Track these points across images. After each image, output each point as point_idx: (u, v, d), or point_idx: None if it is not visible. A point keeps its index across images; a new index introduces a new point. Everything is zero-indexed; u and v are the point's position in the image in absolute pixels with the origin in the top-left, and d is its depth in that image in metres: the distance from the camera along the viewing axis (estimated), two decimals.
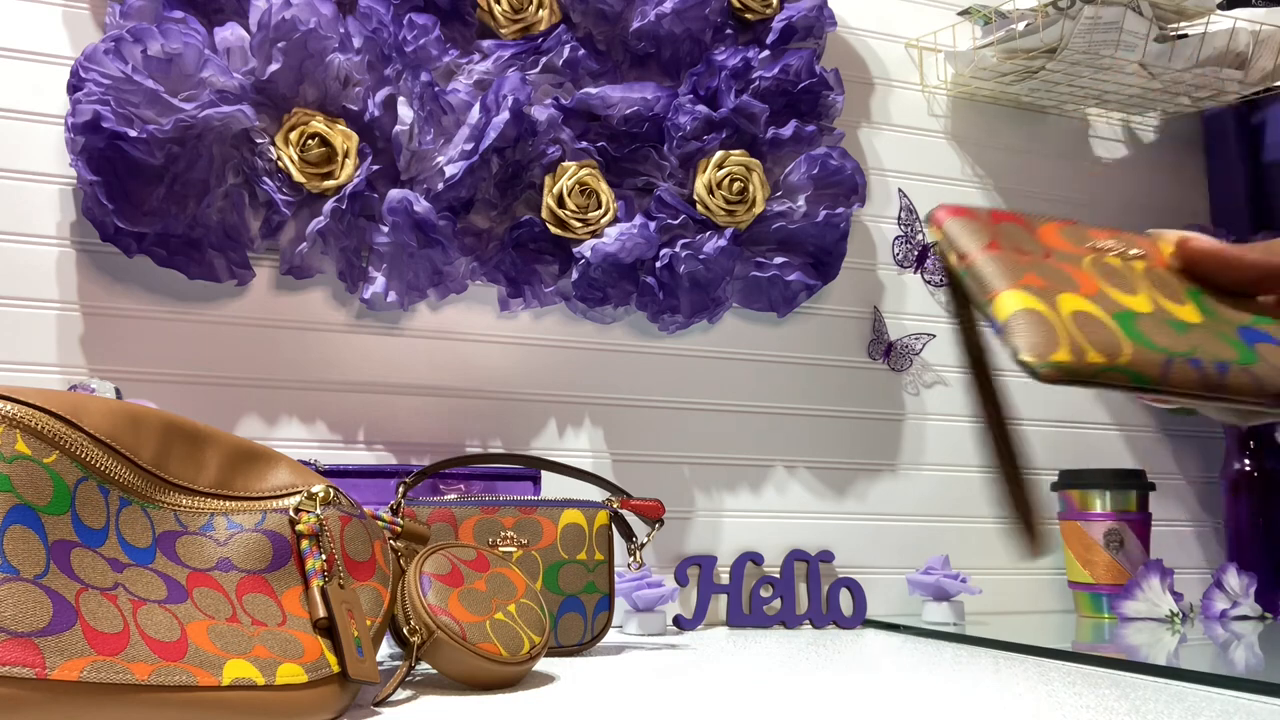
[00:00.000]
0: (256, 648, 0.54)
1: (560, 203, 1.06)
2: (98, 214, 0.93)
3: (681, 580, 1.07)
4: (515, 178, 1.07)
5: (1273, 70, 1.22)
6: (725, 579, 1.11)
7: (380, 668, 0.67)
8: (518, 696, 0.66)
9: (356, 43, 0.99)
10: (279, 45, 0.96)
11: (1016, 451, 0.50)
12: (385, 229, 1.00)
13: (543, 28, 1.08)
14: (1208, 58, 1.19)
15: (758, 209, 1.12)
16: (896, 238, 1.26)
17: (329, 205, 0.98)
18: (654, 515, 0.90)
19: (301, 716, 0.55)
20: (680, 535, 1.13)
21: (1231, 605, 1.13)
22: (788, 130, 1.14)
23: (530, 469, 0.98)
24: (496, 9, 1.07)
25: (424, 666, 0.72)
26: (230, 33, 0.97)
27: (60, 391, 0.54)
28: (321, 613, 0.58)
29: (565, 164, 1.07)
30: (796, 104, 1.16)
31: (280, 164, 0.97)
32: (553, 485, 0.98)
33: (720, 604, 1.09)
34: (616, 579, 0.92)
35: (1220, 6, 1.19)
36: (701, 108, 1.10)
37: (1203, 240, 0.51)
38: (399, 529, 0.70)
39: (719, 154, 1.11)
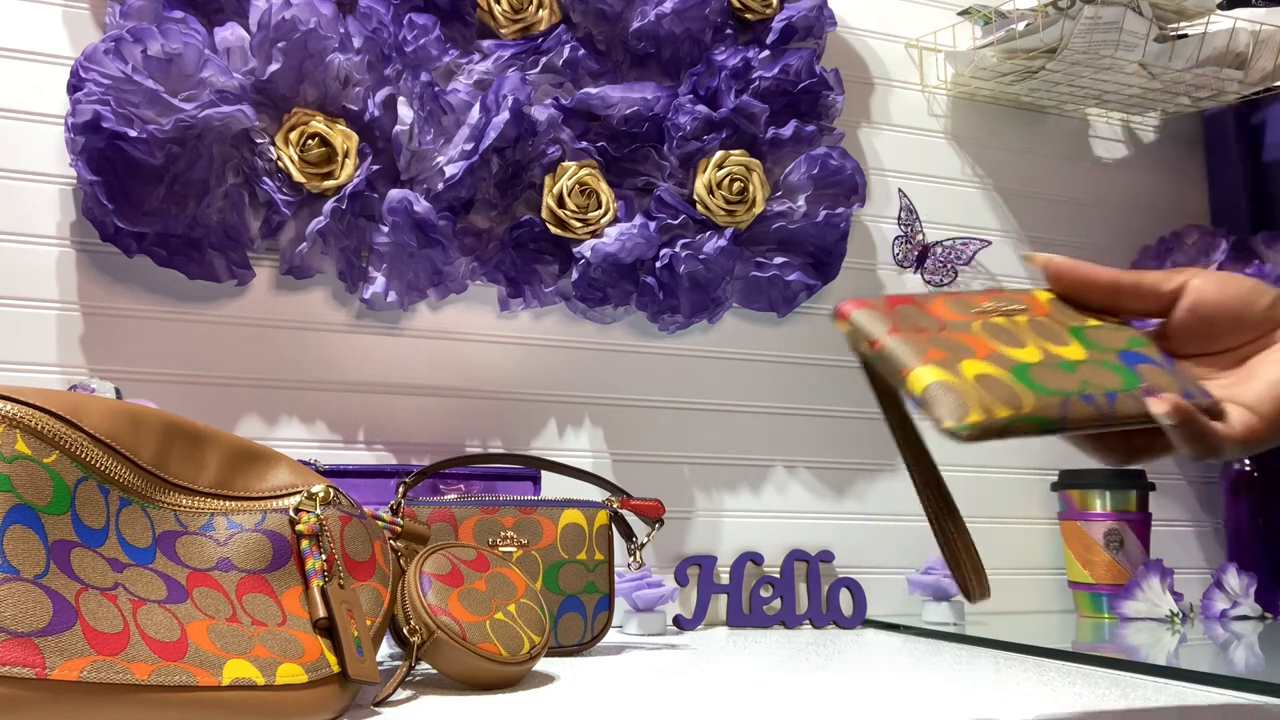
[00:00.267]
0: (256, 648, 0.54)
1: (560, 203, 1.06)
2: (98, 214, 0.93)
3: (681, 580, 1.07)
4: (515, 178, 1.07)
5: (1273, 70, 1.22)
6: (725, 579, 1.11)
7: (380, 668, 0.67)
8: (518, 696, 0.66)
9: (356, 43, 0.99)
10: (279, 45, 0.96)
11: (950, 507, 0.58)
12: (385, 229, 1.00)
13: (543, 28, 1.08)
14: (1208, 58, 1.19)
15: (758, 209, 1.12)
16: (896, 238, 1.26)
17: (329, 205, 0.98)
18: (654, 515, 0.90)
19: (301, 716, 0.55)
20: (680, 535, 1.13)
21: (1231, 605, 1.14)
22: (788, 130, 1.14)
23: (530, 469, 0.98)
24: (496, 9, 1.07)
25: (424, 666, 0.72)
26: (230, 33, 0.97)
27: (60, 391, 0.54)
28: (321, 613, 0.58)
29: (565, 164, 1.07)
30: (796, 104, 1.16)
31: (280, 164, 0.97)
32: (553, 485, 0.98)
33: (720, 604, 1.09)
34: (616, 579, 0.92)
35: (1220, 6, 1.19)
36: (701, 108, 1.10)
37: (1064, 260, 0.59)
38: (399, 529, 0.70)
39: (719, 154, 1.11)
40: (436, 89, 1.02)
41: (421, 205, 1.00)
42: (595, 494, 0.93)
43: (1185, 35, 1.18)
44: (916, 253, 1.27)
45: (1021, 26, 1.17)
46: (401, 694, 0.65)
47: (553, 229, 1.06)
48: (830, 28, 1.18)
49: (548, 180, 1.07)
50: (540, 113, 1.06)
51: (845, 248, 1.17)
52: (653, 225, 1.08)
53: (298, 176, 0.97)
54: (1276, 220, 1.35)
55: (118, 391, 0.87)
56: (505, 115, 1.02)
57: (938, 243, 1.27)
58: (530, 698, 0.65)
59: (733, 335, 1.18)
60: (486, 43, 1.07)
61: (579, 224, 1.07)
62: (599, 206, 1.07)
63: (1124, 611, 1.11)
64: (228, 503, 0.59)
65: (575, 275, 1.07)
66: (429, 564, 0.69)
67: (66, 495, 0.51)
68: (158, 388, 0.97)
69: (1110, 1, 1.12)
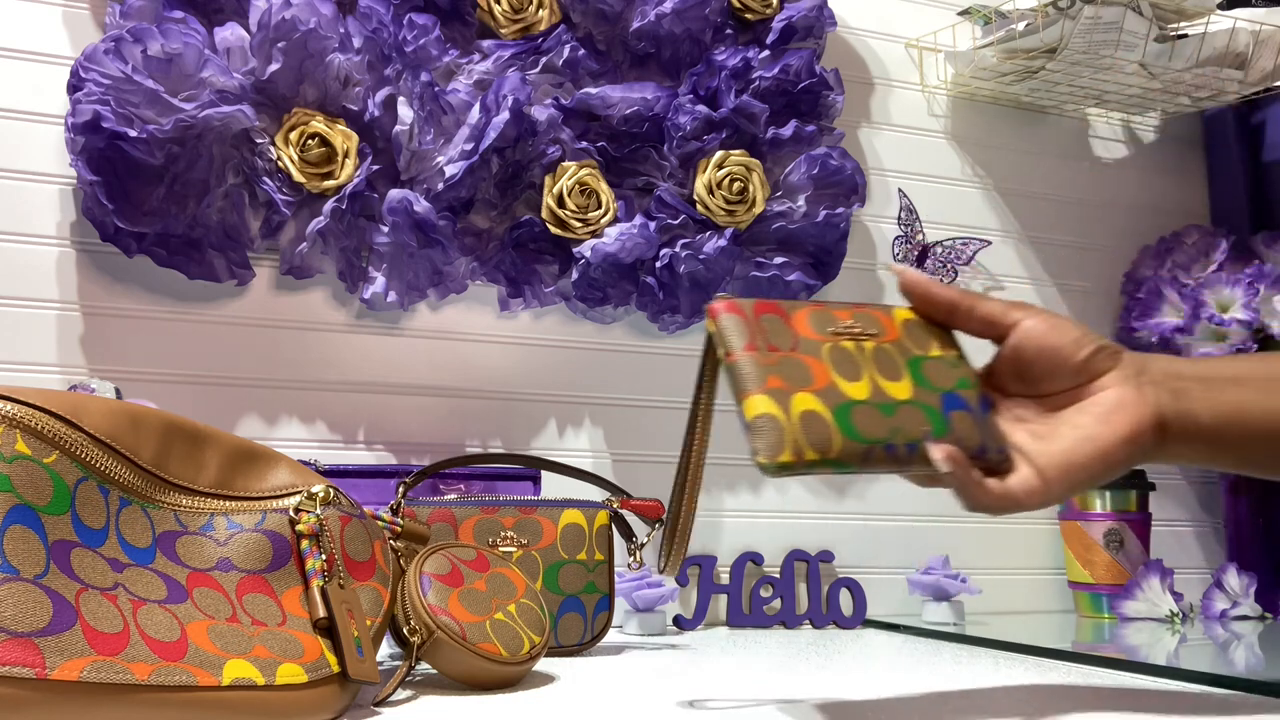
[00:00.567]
0: (256, 648, 0.54)
1: (560, 203, 1.06)
2: (98, 214, 0.93)
3: (681, 580, 1.07)
4: (515, 178, 1.07)
5: (1273, 70, 1.22)
6: (725, 579, 1.11)
7: (380, 668, 0.67)
8: (518, 696, 0.66)
9: (356, 43, 0.99)
10: (279, 45, 0.96)
11: (695, 491, 0.61)
12: (385, 229, 1.00)
13: (543, 28, 1.08)
14: (1208, 58, 1.19)
15: (758, 209, 1.12)
16: (896, 238, 1.26)
17: (329, 205, 0.98)
18: (654, 515, 0.90)
19: (301, 716, 0.55)
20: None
21: (1231, 605, 1.13)
22: (788, 130, 1.14)
23: (530, 469, 0.98)
24: (496, 9, 1.07)
25: (424, 666, 0.72)
26: (230, 33, 0.97)
27: (60, 391, 0.54)
28: (321, 613, 0.58)
29: (565, 164, 1.07)
30: (796, 104, 1.16)
31: (280, 164, 0.97)
32: (553, 485, 0.98)
33: (720, 604, 1.09)
34: (616, 579, 0.92)
35: (1220, 6, 1.19)
36: (701, 108, 1.10)
37: (914, 274, 0.63)
38: (399, 529, 0.70)
39: (719, 154, 1.11)
40: (436, 89, 1.02)
41: (421, 205, 1.00)
42: (595, 494, 0.93)
43: (1185, 35, 1.18)
44: (916, 253, 1.27)
45: (1021, 26, 1.17)
46: (401, 694, 0.65)
47: (553, 229, 1.06)
48: (830, 28, 1.18)
49: (548, 180, 1.07)
50: (540, 113, 1.06)
51: (845, 248, 1.17)
52: (653, 225, 1.08)
53: (298, 176, 0.97)
54: (1276, 220, 1.35)
55: (118, 391, 0.87)
56: (505, 115, 1.02)
57: (938, 243, 1.27)
58: (530, 698, 0.65)
59: None
60: (486, 43, 1.07)
61: (579, 224, 1.07)
62: (599, 206, 1.07)
63: (1124, 611, 1.11)
64: (228, 503, 0.59)
65: (575, 275, 1.07)
66: (429, 564, 0.69)
67: (66, 495, 0.51)
68: (158, 388, 0.97)
69: (1110, 1, 1.12)
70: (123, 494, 0.54)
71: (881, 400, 0.56)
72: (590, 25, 1.11)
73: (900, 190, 1.27)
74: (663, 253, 1.09)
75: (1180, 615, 1.10)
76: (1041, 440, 0.60)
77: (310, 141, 0.97)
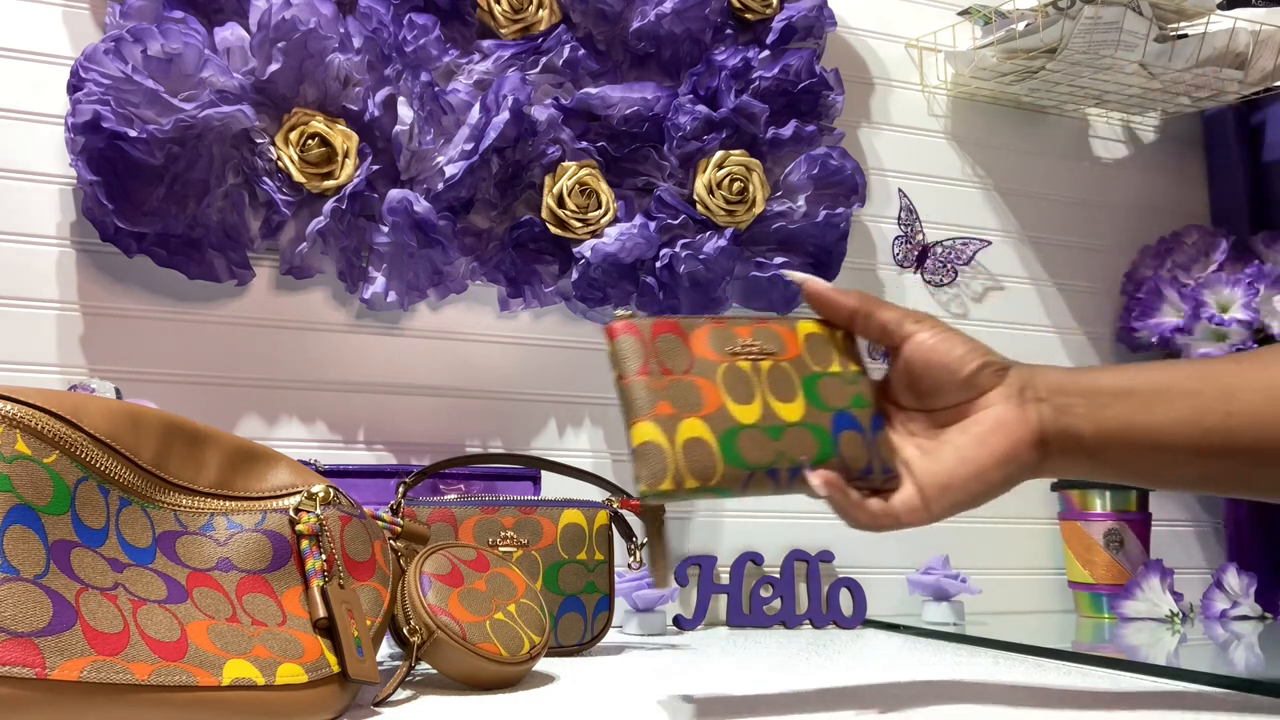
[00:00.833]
0: (256, 648, 0.54)
1: (560, 203, 1.06)
2: (98, 214, 0.93)
3: (681, 580, 1.07)
4: (515, 178, 1.07)
5: (1273, 70, 1.22)
6: (725, 579, 1.11)
7: (380, 668, 0.67)
8: (518, 696, 0.66)
9: (356, 43, 0.99)
10: (279, 45, 0.96)
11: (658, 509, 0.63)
12: (385, 229, 1.00)
13: (543, 28, 1.08)
14: (1208, 58, 1.19)
15: (758, 209, 1.12)
16: (896, 238, 1.26)
17: (329, 205, 0.98)
18: None
19: (301, 716, 0.55)
20: (680, 535, 1.13)
21: (1231, 605, 1.13)
22: (788, 130, 1.14)
23: (530, 469, 0.98)
24: (496, 9, 1.07)
25: (424, 666, 0.72)
26: (230, 33, 0.97)
27: (60, 391, 0.54)
28: (321, 613, 0.58)
29: (565, 164, 1.07)
30: (796, 104, 1.16)
31: (280, 164, 0.97)
32: (553, 485, 0.98)
33: (720, 604, 1.09)
34: (616, 579, 0.92)
35: (1220, 6, 1.19)
36: (701, 108, 1.10)
37: (816, 283, 0.63)
38: (399, 529, 0.70)
39: (719, 154, 1.11)
40: (436, 89, 1.02)
41: (421, 205, 1.00)
42: (595, 494, 0.93)
43: (1185, 35, 1.18)
44: (916, 253, 1.27)
45: (1021, 26, 1.17)
46: (401, 694, 0.65)
47: (553, 229, 1.06)
48: (830, 28, 1.18)
49: (548, 180, 1.07)
50: (540, 113, 1.06)
51: (845, 248, 1.17)
52: (653, 225, 1.08)
53: (298, 176, 0.97)
54: (1276, 220, 1.35)
55: (118, 391, 0.87)
56: (505, 115, 1.02)
57: (938, 243, 1.27)
58: (530, 698, 0.65)
59: None
60: (486, 43, 1.07)
61: (579, 224, 1.07)
62: (599, 206, 1.07)
63: (1124, 611, 1.11)
64: (228, 503, 0.59)
65: (575, 275, 1.07)
66: (429, 564, 0.69)
67: (66, 495, 0.51)
68: (158, 388, 0.97)
69: (1110, 1, 1.12)
70: (123, 494, 0.54)
71: (771, 423, 0.58)
72: (590, 25, 1.11)
73: (900, 190, 1.27)
74: (663, 253, 1.09)
75: (1180, 615, 1.10)
76: (927, 457, 0.60)
77: (310, 141, 0.97)
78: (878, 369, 0.65)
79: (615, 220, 1.08)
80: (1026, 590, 1.26)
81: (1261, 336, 1.21)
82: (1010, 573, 1.25)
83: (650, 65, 1.14)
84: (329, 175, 0.99)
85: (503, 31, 1.07)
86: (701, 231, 1.11)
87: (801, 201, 1.14)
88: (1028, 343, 1.31)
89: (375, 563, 0.64)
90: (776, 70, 1.14)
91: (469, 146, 1.02)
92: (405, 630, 0.66)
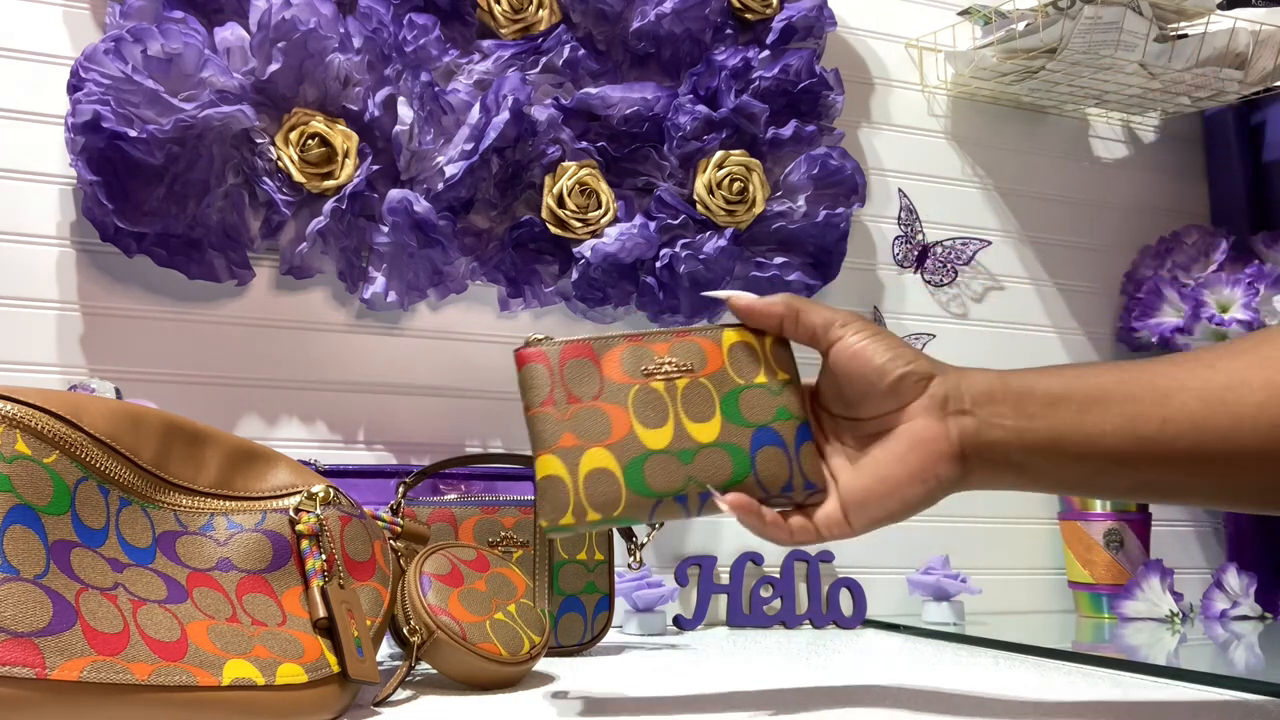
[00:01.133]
0: (256, 648, 0.54)
1: (560, 203, 1.06)
2: (98, 214, 0.93)
3: (681, 580, 1.07)
4: (515, 178, 1.07)
5: (1273, 70, 1.22)
6: (725, 579, 1.11)
7: (380, 668, 0.67)
8: (518, 696, 0.66)
9: (356, 43, 0.99)
10: (279, 45, 0.96)
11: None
12: (385, 229, 1.00)
13: (543, 28, 1.08)
14: (1208, 58, 1.19)
15: (758, 209, 1.12)
16: (896, 238, 1.26)
17: (329, 205, 0.98)
18: None
19: (301, 716, 0.55)
20: (680, 535, 1.12)
21: (1231, 605, 1.13)
22: (788, 130, 1.14)
23: (530, 469, 0.98)
24: (496, 9, 1.07)
25: (424, 666, 0.72)
26: (230, 33, 0.97)
27: (60, 391, 0.54)
28: (321, 613, 0.58)
29: (565, 164, 1.07)
30: (796, 104, 1.16)
31: (280, 164, 0.97)
32: None
33: (720, 604, 1.09)
34: (616, 579, 0.92)
35: (1220, 6, 1.19)
36: (701, 108, 1.10)
37: (741, 297, 0.60)
38: (399, 529, 0.70)
39: (719, 154, 1.11)
40: (436, 89, 1.02)
41: (421, 205, 1.00)
42: None
43: (1185, 35, 1.18)
44: (916, 253, 1.27)
45: (1021, 26, 1.17)
46: (401, 694, 0.65)
47: (553, 229, 1.06)
48: (830, 28, 1.18)
49: (548, 180, 1.07)
50: (540, 113, 1.06)
51: (845, 248, 1.17)
52: (653, 225, 1.08)
53: (298, 176, 0.97)
54: (1276, 220, 1.35)
55: (118, 391, 0.87)
56: (505, 115, 1.02)
57: (938, 243, 1.27)
58: (530, 698, 0.65)
59: None
60: (486, 43, 1.07)
61: (579, 224, 1.07)
62: (599, 206, 1.07)
63: (1124, 611, 1.11)
64: (228, 503, 0.59)
65: (575, 275, 1.07)
66: (429, 564, 0.69)
67: (66, 495, 0.51)
68: (158, 388, 0.97)
69: (1110, 1, 1.12)
70: (123, 494, 0.54)
71: (683, 446, 0.57)
72: (590, 25, 1.11)
73: (900, 190, 1.27)
74: (663, 253, 1.09)
75: (1180, 615, 1.10)
76: (851, 470, 0.58)
77: (310, 141, 0.97)
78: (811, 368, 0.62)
79: (615, 220, 1.08)
80: (1026, 590, 1.26)
81: None
82: (1010, 573, 1.25)
83: (650, 65, 1.14)
84: (329, 175, 0.99)
85: (503, 31, 1.07)
86: (701, 231, 1.11)
87: (801, 201, 1.14)
88: (1028, 343, 1.31)
89: (375, 563, 0.64)
90: (776, 70, 1.14)
91: (469, 146, 1.02)
92: (405, 630, 0.66)
